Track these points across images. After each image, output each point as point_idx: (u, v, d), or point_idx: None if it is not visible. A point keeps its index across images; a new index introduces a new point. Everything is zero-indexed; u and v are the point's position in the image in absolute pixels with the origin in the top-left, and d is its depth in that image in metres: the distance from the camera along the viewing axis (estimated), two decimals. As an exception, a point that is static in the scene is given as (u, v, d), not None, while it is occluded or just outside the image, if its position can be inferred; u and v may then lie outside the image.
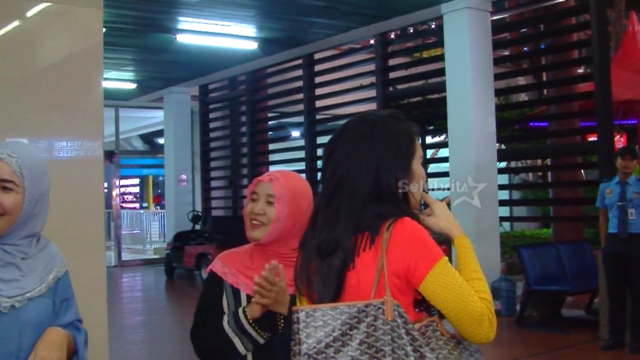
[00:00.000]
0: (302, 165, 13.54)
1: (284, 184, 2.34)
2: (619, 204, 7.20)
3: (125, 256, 18.28)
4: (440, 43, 10.47)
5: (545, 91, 13.69)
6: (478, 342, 1.88)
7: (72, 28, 4.47)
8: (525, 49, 14.52)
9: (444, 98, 10.07)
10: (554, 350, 7.54)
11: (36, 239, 2.24)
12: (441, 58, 10.35)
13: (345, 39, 12.19)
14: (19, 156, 2.14)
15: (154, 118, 19.95)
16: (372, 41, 12.25)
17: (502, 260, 10.01)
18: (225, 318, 2.28)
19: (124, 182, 24.24)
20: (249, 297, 2.29)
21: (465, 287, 1.84)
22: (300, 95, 13.71)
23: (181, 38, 11.65)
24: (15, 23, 4.29)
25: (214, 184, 17.11)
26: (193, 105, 17.23)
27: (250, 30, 11.69)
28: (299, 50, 12.87)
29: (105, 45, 4.65)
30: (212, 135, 17.15)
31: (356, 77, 12.82)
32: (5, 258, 2.13)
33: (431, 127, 12.82)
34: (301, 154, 13.85)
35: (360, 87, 13.05)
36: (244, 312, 2.24)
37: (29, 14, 4.34)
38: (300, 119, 14.01)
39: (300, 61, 13.46)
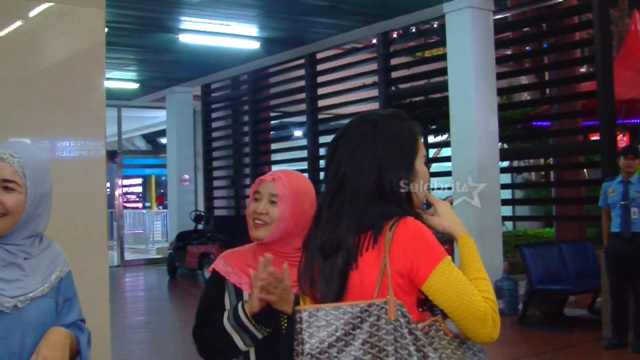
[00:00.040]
0: (304, 165, 13.54)
1: (286, 183, 2.34)
2: (622, 203, 7.19)
3: (128, 256, 18.28)
4: (442, 42, 10.47)
5: (547, 90, 13.67)
6: (482, 342, 1.87)
7: (75, 28, 4.47)
8: (527, 48, 14.52)
9: (446, 97, 10.07)
10: (556, 349, 7.53)
11: (39, 239, 2.24)
12: (443, 57, 10.34)
13: (348, 39, 12.19)
14: (22, 156, 2.14)
15: (156, 118, 19.96)
16: (374, 40, 12.25)
17: (505, 260, 10.01)
18: (226, 314, 2.28)
19: (126, 181, 24.27)
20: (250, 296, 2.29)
21: (469, 286, 1.84)
22: (303, 95, 13.71)
23: (183, 38, 11.66)
24: (18, 23, 4.30)
25: (216, 183, 17.12)
26: (195, 105, 17.24)
27: (253, 29, 11.69)
28: (301, 49, 12.87)
29: (107, 45, 4.65)
30: (214, 134, 17.15)
31: (358, 76, 12.82)
32: (7, 258, 2.13)
33: (433, 127, 12.82)
34: (303, 153, 13.86)
35: (363, 87, 13.05)
36: (243, 307, 2.24)
37: (32, 14, 4.35)
38: (303, 118, 14.02)
39: (302, 61, 13.46)
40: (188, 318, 7.51)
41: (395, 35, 12.40)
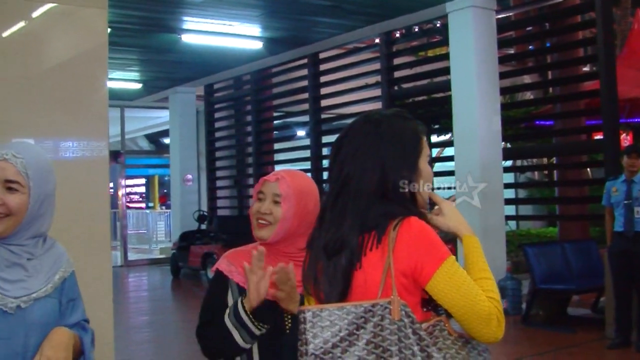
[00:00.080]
0: (307, 165, 13.55)
1: (290, 183, 2.34)
2: (625, 202, 7.18)
3: (131, 256, 18.30)
4: (445, 42, 10.47)
5: (550, 89, 13.66)
6: (486, 342, 1.87)
7: (77, 28, 4.48)
8: (530, 47, 14.49)
9: (449, 97, 10.06)
10: (560, 349, 7.52)
11: (42, 239, 2.24)
12: (446, 57, 10.33)
13: (350, 38, 12.19)
14: (24, 157, 2.14)
15: (159, 118, 19.98)
16: (377, 40, 12.24)
17: (508, 259, 10.00)
18: (227, 311, 2.28)
19: (129, 182, 24.27)
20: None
21: (473, 286, 1.84)
22: (305, 95, 13.71)
23: (186, 38, 11.67)
24: (21, 24, 4.30)
25: (219, 183, 17.13)
26: (198, 105, 17.25)
27: (255, 29, 11.70)
28: (304, 49, 12.88)
29: (110, 45, 4.66)
30: (217, 134, 17.16)
31: (361, 76, 12.81)
32: (11, 258, 2.13)
33: (436, 126, 12.81)
34: (306, 153, 13.86)
35: (365, 86, 13.04)
36: (243, 303, 2.24)
37: (34, 14, 4.36)
38: (306, 118, 14.01)
39: (305, 60, 13.46)
40: (191, 318, 7.51)
41: (398, 35, 12.38)
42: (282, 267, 2.15)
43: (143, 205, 28.22)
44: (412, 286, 1.86)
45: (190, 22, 11.11)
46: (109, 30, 4.66)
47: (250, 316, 2.21)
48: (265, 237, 2.34)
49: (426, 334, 1.82)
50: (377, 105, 12.18)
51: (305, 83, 13.68)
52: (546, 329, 8.32)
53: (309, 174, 12.37)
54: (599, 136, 10.55)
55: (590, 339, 7.83)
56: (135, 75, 15.11)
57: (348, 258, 1.90)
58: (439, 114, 12.26)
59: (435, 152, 14.25)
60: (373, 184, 1.92)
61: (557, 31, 11.96)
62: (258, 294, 2.19)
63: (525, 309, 8.74)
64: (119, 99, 16.50)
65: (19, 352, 2.09)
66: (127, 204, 19.93)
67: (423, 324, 1.84)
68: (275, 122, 16.29)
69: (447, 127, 11.59)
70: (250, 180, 15.81)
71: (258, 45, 12.39)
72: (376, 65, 12.15)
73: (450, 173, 10.11)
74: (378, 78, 12.13)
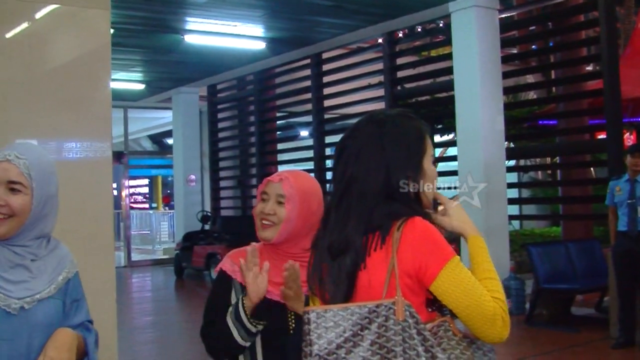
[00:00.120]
0: (310, 165, 13.54)
1: (293, 183, 2.34)
2: (629, 201, 7.17)
3: (135, 256, 18.31)
4: (448, 41, 10.46)
5: (553, 89, 13.65)
6: (491, 342, 1.86)
7: (80, 29, 4.48)
8: (533, 46, 14.48)
9: (452, 96, 10.06)
10: (563, 348, 7.52)
11: (46, 240, 2.24)
12: (449, 56, 10.33)
13: (353, 38, 12.19)
14: (27, 158, 2.14)
15: (162, 118, 19.99)
16: (380, 40, 12.24)
17: (512, 259, 9.99)
18: (229, 310, 2.29)
19: (133, 182, 24.30)
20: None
21: (478, 286, 1.83)
22: (309, 95, 13.71)
23: (189, 38, 11.68)
24: (24, 25, 4.31)
25: (222, 184, 17.13)
26: (201, 106, 17.26)
27: (258, 30, 11.71)
28: (307, 49, 12.88)
29: (113, 46, 4.67)
30: (220, 135, 17.17)
31: (364, 76, 12.81)
32: (14, 260, 2.13)
33: (439, 126, 12.80)
34: (310, 153, 13.86)
35: (369, 86, 13.04)
36: (243, 300, 2.24)
37: (37, 15, 4.36)
38: (309, 118, 14.01)
39: (308, 61, 13.46)
40: (195, 318, 7.52)
41: (400, 35, 12.38)
42: (292, 264, 2.16)
43: (146, 205, 28.24)
44: (417, 286, 1.86)
45: (193, 22, 11.11)
46: (112, 31, 4.67)
47: (247, 314, 2.22)
48: (269, 238, 2.34)
49: (431, 334, 1.81)
50: (380, 105, 12.18)
51: (308, 83, 13.67)
52: (550, 329, 8.31)
53: (313, 174, 12.38)
54: (602, 135, 10.54)
55: (594, 339, 7.82)
56: (138, 76, 15.12)
57: (352, 258, 1.90)
58: (442, 114, 12.26)
59: (438, 152, 14.25)
60: (377, 184, 1.92)
61: (560, 30, 11.95)
62: (257, 290, 2.19)
63: (528, 308, 8.73)
64: (122, 99, 16.51)
65: (23, 353, 2.09)
66: (131, 205, 19.97)
67: (427, 325, 1.83)
68: (278, 122, 16.29)
69: (450, 127, 11.59)
70: (254, 181, 15.80)
71: (261, 45, 12.39)
72: (379, 65, 12.14)
73: (454, 173, 10.10)
74: (381, 78, 12.13)
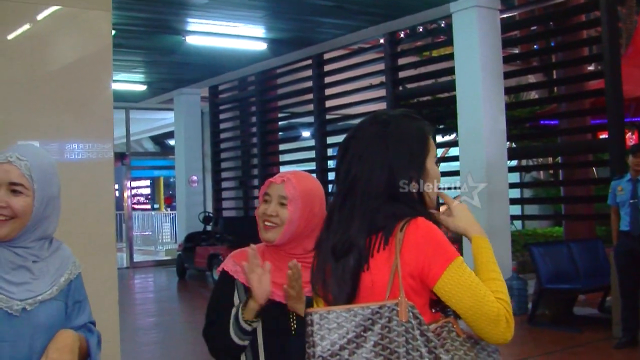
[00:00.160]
0: (312, 166, 13.54)
1: (296, 185, 2.34)
2: (631, 201, 7.17)
3: (137, 257, 18.33)
4: (449, 42, 10.46)
5: (555, 89, 13.64)
6: (495, 343, 1.86)
7: (82, 31, 4.49)
8: (535, 46, 14.48)
9: (454, 97, 10.06)
10: (566, 348, 7.51)
11: (48, 241, 2.24)
12: (451, 57, 10.32)
13: (355, 39, 12.18)
14: (28, 159, 2.14)
15: (164, 119, 20.01)
16: (381, 40, 12.24)
17: (514, 259, 9.98)
18: (233, 311, 2.29)
19: (135, 183, 24.31)
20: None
21: (481, 286, 1.82)
22: (310, 96, 13.71)
23: (190, 39, 11.68)
24: (26, 26, 4.32)
25: (224, 184, 17.13)
26: (203, 107, 17.27)
27: (259, 30, 11.71)
28: (308, 50, 12.88)
29: (115, 47, 4.68)
30: (222, 136, 17.17)
31: (366, 76, 12.81)
32: (16, 261, 2.13)
33: (441, 126, 12.81)
34: (311, 154, 13.86)
35: (370, 87, 13.04)
36: (247, 302, 2.25)
37: (39, 17, 4.37)
38: (310, 119, 14.02)
39: (309, 61, 13.46)
40: (198, 319, 7.51)
41: (402, 35, 12.39)
42: (295, 264, 2.16)
43: (148, 206, 28.27)
44: (420, 287, 1.85)
45: (194, 23, 11.11)
46: (113, 32, 4.68)
47: (242, 312, 2.22)
48: (272, 239, 2.34)
49: (434, 335, 1.81)
50: (382, 105, 12.17)
51: (309, 84, 13.68)
52: (552, 329, 8.30)
53: (314, 175, 12.37)
54: (604, 135, 10.54)
55: (596, 339, 7.82)
56: (140, 77, 15.12)
57: (356, 259, 1.90)
58: (444, 114, 12.25)
59: (440, 152, 14.24)
60: (381, 185, 1.91)
61: (562, 30, 11.94)
62: (263, 290, 2.20)
63: (531, 308, 8.72)
64: (124, 100, 16.52)
65: (25, 355, 2.08)
66: (133, 206, 19.98)
67: (431, 326, 1.83)
68: (280, 123, 16.29)
69: (452, 127, 11.58)
70: (256, 181, 15.81)
71: (262, 46, 12.39)
72: (381, 66, 12.14)
73: (456, 173, 10.10)
74: (382, 78, 12.13)
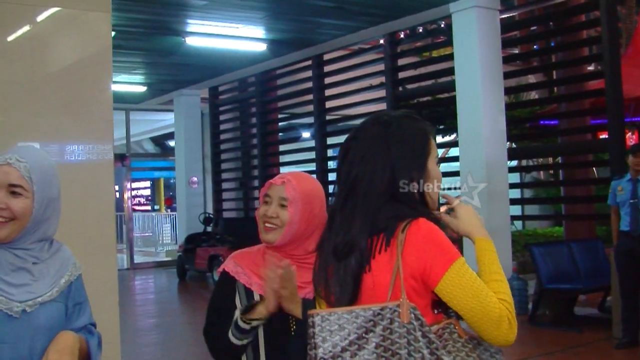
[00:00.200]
0: (312, 166, 13.54)
1: (296, 186, 2.34)
2: (631, 201, 7.17)
3: (138, 259, 18.33)
4: (449, 42, 10.46)
5: (555, 89, 13.64)
6: (497, 344, 1.85)
7: (82, 32, 4.49)
8: (535, 46, 14.48)
9: (454, 97, 10.05)
10: (566, 348, 7.51)
11: (48, 243, 2.24)
12: (450, 57, 10.32)
13: (355, 39, 12.18)
14: (28, 161, 2.14)
15: (164, 121, 20.01)
16: (381, 41, 12.24)
17: (514, 259, 9.98)
18: (237, 313, 2.29)
19: (135, 184, 24.31)
20: (262, 298, 2.29)
21: (483, 287, 1.82)
22: (310, 96, 13.72)
23: (190, 40, 11.68)
24: (26, 28, 4.32)
25: (225, 185, 17.14)
26: (203, 108, 17.27)
27: (259, 31, 11.70)
28: (308, 51, 12.88)
29: (115, 48, 4.68)
30: (222, 137, 17.18)
31: (366, 77, 12.82)
32: (16, 263, 2.13)
33: (441, 127, 12.81)
34: (312, 154, 13.86)
35: (370, 87, 13.04)
36: (251, 306, 2.25)
37: (39, 18, 4.37)
38: (311, 119, 14.01)
39: (309, 62, 13.46)
40: (198, 320, 7.51)
41: (402, 36, 12.38)
42: (287, 263, 2.16)
43: (149, 207, 28.27)
44: (422, 288, 1.85)
45: (194, 24, 11.11)
46: (113, 33, 4.68)
47: (240, 311, 2.23)
48: (272, 241, 2.34)
49: (436, 336, 1.81)
50: (382, 106, 12.17)
51: (309, 85, 13.68)
52: (553, 329, 8.30)
53: (315, 176, 12.36)
54: (604, 135, 10.53)
55: (597, 339, 7.81)
56: (139, 78, 15.12)
57: (358, 260, 1.90)
58: (444, 115, 12.26)
59: (440, 152, 14.22)
60: (382, 186, 1.91)
61: (562, 30, 11.94)
62: (275, 300, 2.21)
63: (531, 309, 8.72)
64: (124, 102, 16.52)
65: (25, 357, 2.08)
66: (133, 207, 19.97)
67: (433, 327, 1.83)
68: (280, 124, 16.29)
69: (452, 128, 11.59)
70: (256, 182, 15.81)
71: (262, 47, 12.39)
72: (380, 66, 12.14)
73: (456, 173, 10.10)
74: (382, 79, 12.13)
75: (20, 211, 2.10)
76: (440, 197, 2.07)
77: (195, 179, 16.93)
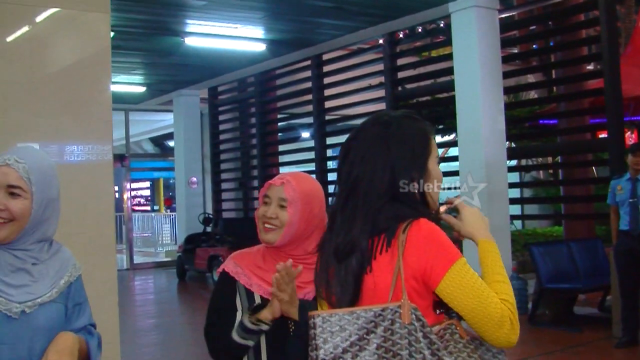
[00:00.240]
0: (312, 166, 13.53)
1: (295, 187, 2.34)
2: (630, 200, 7.17)
3: (137, 259, 18.32)
4: (448, 42, 10.46)
5: (554, 88, 13.64)
6: (499, 345, 1.84)
7: (81, 33, 4.50)
8: (534, 46, 14.48)
9: (453, 97, 10.05)
10: (566, 348, 7.51)
11: (48, 243, 2.24)
12: (450, 57, 10.32)
13: (354, 39, 12.18)
14: (27, 161, 2.14)
15: (163, 121, 20.01)
16: (380, 41, 12.24)
17: (514, 259, 9.98)
18: (239, 314, 2.29)
19: (135, 185, 24.30)
20: (262, 298, 2.29)
21: (485, 288, 1.82)
22: (310, 96, 13.71)
23: (189, 41, 11.67)
24: (25, 28, 4.32)
25: (224, 185, 17.13)
26: (202, 108, 17.27)
27: (258, 31, 11.70)
28: (308, 51, 12.88)
29: (114, 49, 4.68)
30: (221, 137, 17.18)
31: (365, 77, 12.82)
32: (15, 264, 2.13)
33: (441, 126, 12.80)
34: (311, 154, 13.85)
35: (369, 87, 13.04)
36: (255, 310, 2.25)
37: (38, 19, 4.37)
38: (310, 119, 14.01)
39: (308, 62, 13.46)
40: (198, 320, 7.51)
41: (401, 36, 12.38)
42: (284, 266, 2.14)
43: (148, 208, 28.27)
44: (423, 289, 1.85)
45: (193, 25, 11.11)
46: (112, 34, 4.68)
47: (247, 312, 2.22)
48: (272, 241, 2.34)
49: (437, 337, 1.80)
50: (381, 106, 12.17)
51: (309, 85, 13.67)
52: (553, 329, 8.30)
53: (314, 176, 12.35)
54: (603, 134, 10.53)
55: (597, 338, 7.82)
56: (139, 78, 15.12)
57: (359, 261, 1.89)
58: (443, 114, 12.25)
59: (439, 152, 14.22)
60: (383, 186, 1.91)
61: (561, 30, 11.94)
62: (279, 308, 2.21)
63: (531, 308, 8.72)
64: (123, 102, 16.52)
65: (24, 357, 2.09)
66: (133, 207, 19.97)
67: (434, 328, 1.82)
68: (279, 124, 16.29)
69: (451, 127, 11.58)
70: (255, 182, 15.81)
71: (261, 47, 12.39)
72: (380, 66, 12.14)
73: (455, 173, 10.10)
74: (382, 79, 12.12)
75: (19, 212, 2.10)
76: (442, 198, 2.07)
77: (194, 179, 16.93)
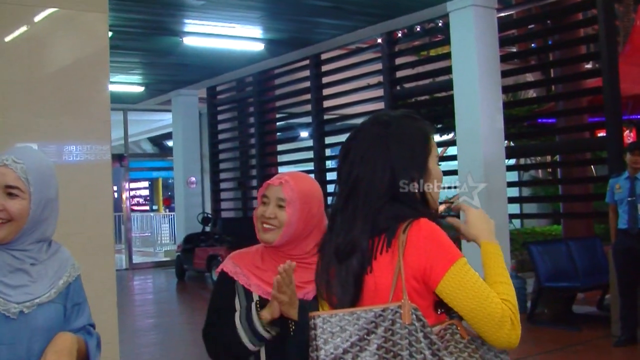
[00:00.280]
0: (310, 166, 13.53)
1: (294, 187, 2.34)
2: (629, 199, 7.17)
3: (136, 259, 18.31)
4: (446, 41, 10.45)
5: (553, 87, 13.64)
6: (500, 346, 1.83)
7: (79, 33, 4.49)
8: (532, 45, 14.48)
9: (452, 96, 10.04)
10: (565, 347, 7.51)
11: (47, 244, 2.23)
12: (448, 56, 10.32)
13: (352, 39, 12.18)
14: (25, 162, 2.14)
15: (162, 121, 20.01)
16: (378, 40, 12.24)
17: (513, 258, 9.98)
18: (237, 315, 2.29)
19: (133, 185, 24.30)
20: (260, 298, 2.29)
21: (485, 287, 1.81)
22: (308, 96, 13.70)
23: (188, 40, 11.67)
24: (23, 28, 4.32)
25: (223, 185, 17.13)
26: (201, 108, 17.26)
27: (257, 31, 11.70)
28: (306, 50, 12.87)
29: (112, 49, 4.68)
30: (220, 137, 17.17)
31: (363, 76, 12.80)
32: (14, 264, 2.13)
33: (439, 125, 12.80)
34: (310, 154, 13.84)
35: (368, 87, 13.03)
36: (257, 306, 2.25)
37: (37, 19, 4.37)
38: (309, 119, 14.00)
39: (307, 62, 13.45)
40: (197, 320, 7.51)
41: (399, 35, 12.38)
42: (285, 268, 2.14)
43: (147, 208, 28.27)
44: (424, 289, 1.84)
45: (191, 24, 11.10)
46: (110, 33, 4.68)
47: (262, 320, 2.22)
48: (271, 241, 2.34)
49: (437, 338, 1.80)
50: (380, 105, 12.17)
51: (307, 84, 13.67)
52: (551, 327, 8.30)
53: (313, 175, 12.36)
54: (602, 133, 10.54)
55: (596, 337, 7.82)
56: (137, 78, 15.11)
57: (359, 261, 1.89)
58: (442, 113, 12.25)
59: (438, 151, 14.22)
60: (383, 186, 1.91)
61: (559, 29, 11.93)
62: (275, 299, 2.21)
63: (530, 307, 8.73)
64: (122, 102, 16.51)
65: (23, 358, 2.08)
66: (132, 207, 19.97)
67: (435, 328, 1.82)
68: (278, 123, 16.28)
69: (450, 127, 11.58)
70: (254, 182, 15.79)
71: (260, 47, 12.39)
72: (378, 66, 12.14)
73: (454, 172, 10.10)
74: (380, 78, 12.12)
75: (17, 212, 2.10)
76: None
77: (193, 179, 16.92)
